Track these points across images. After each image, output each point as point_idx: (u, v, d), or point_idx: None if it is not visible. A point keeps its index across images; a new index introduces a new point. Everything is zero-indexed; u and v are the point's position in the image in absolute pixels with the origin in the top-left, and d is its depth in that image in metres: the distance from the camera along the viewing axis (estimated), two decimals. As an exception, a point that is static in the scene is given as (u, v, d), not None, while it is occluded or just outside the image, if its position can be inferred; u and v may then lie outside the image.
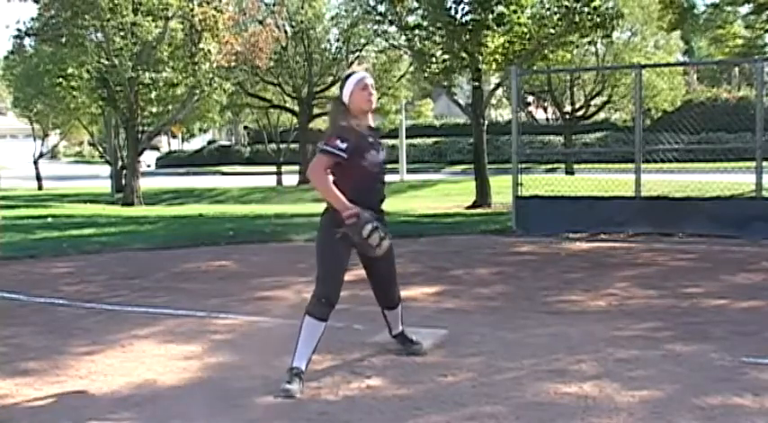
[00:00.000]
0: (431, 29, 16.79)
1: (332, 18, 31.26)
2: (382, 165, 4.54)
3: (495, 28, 15.86)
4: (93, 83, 24.03)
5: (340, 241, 4.29)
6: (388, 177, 5.12)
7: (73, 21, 20.78)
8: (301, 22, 29.99)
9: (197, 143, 57.91)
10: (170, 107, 23.32)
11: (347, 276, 4.45)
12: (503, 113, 42.73)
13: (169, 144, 62.59)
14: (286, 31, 29.52)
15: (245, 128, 49.61)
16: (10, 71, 31.89)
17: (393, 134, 32.47)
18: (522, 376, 4.39)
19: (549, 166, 29.40)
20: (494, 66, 16.77)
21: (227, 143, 54.69)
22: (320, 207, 4.56)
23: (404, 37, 18.30)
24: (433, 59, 16.64)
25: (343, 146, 4.25)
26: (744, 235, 9.47)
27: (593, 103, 31.62)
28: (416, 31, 17.21)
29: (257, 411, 3.96)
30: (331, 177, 4.30)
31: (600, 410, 3.85)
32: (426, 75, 17.33)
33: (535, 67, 17.73)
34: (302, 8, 29.97)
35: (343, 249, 4.35)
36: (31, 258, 9.16)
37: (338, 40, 31.43)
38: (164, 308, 6.31)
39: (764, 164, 9.95)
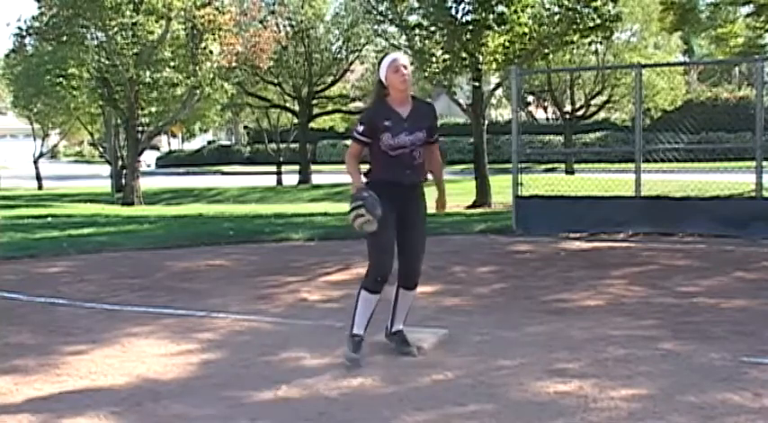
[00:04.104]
0: (431, 28, 16.79)
1: (333, 16, 31.27)
2: (406, 145, 4.67)
3: (496, 28, 15.87)
4: (94, 82, 24.03)
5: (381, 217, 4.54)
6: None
7: (74, 20, 20.78)
8: (301, 21, 30.00)
9: (197, 143, 57.91)
10: (170, 107, 23.32)
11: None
12: (503, 113, 42.71)
13: (169, 144, 62.57)
14: (286, 31, 29.52)
15: (245, 127, 49.62)
16: (10, 70, 31.87)
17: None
18: (522, 375, 4.39)
19: (549, 166, 29.42)
20: (494, 66, 16.78)
21: (227, 143, 54.70)
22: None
23: (404, 37, 18.30)
24: (434, 59, 16.64)
25: (360, 129, 4.68)
26: (743, 235, 9.47)
27: (593, 102, 31.64)
28: (417, 31, 17.21)
29: (257, 410, 3.96)
30: (356, 163, 4.69)
31: (600, 410, 3.85)
32: (426, 74, 17.34)
33: (535, 68, 17.73)
34: (302, 8, 29.98)
35: (384, 223, 4.55)
36: (31, 258, 9.16)
37: (338, 40, 31.44)
38: (164, 307, 6.31)
39: (764, 164, 9.95)
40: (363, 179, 4.72)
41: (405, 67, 4.67)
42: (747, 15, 21.14)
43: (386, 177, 4.68)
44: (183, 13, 20.98)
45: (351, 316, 4.74)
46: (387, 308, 4.99)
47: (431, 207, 4.91)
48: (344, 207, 4.87)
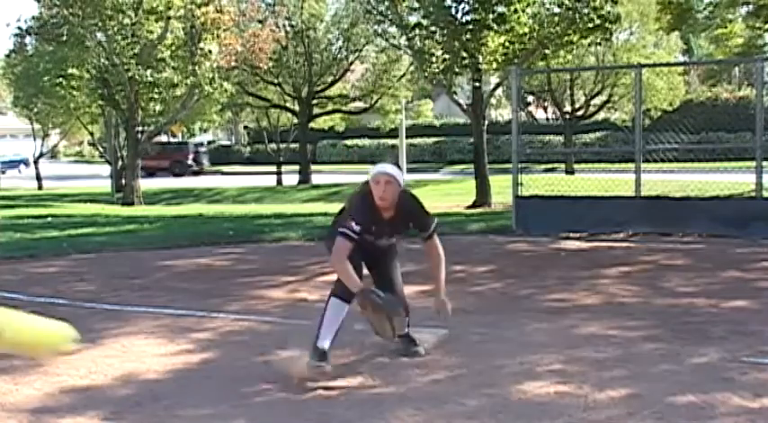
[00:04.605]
0: (431, 28, 16.79)
1: (333, 16, 31.25)
2: (383, 245, 4.77)
3: (496, 28, 15.87)
4: (94, 82, 24.02)
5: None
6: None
7: (74, 20, 20.77)
8: (301, 21, 29.99)
9: (197, 143, 57.77)
10: (170, 107, 23.30)
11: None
12: (503, 113, 42.68)
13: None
14: (286, 31, 29.51)
15: (245, 127, 49.57)
16: (10, 70, 31.84)
17: (393, 134, 32.44)
18: (522, 375, 4.39)
19: (549, 166, 29.41)
20: (494, 65, 16.78)
21: (227, 143, 54.63)
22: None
23: (404, 37, 18.30)
24: (434, 59, 16.63)
25: (357, 229, 4.50)
26: (743, 235, 9.47)
27: (593, 102, 31.62)
28: (417, 31, 17.21)
29: (258, 410, 3.96)
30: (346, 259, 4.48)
31: (600, 409, 3.85)
32: (426, 74, 17.33)
33: (535, 68, 17.73)
34: (302, 8, 29.97)
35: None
36: (31, 258, 9.16)
37: (338, 40, 31.42)
38: (164, 307, 6.31)
39: (764, 164, 9.95)
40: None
41: (388, 181, 4.56)
42: (746, 16, 21.14)
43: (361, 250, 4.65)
44: (182, 11, 20.95)
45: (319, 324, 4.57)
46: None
47: (429, 310, 4.87)
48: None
